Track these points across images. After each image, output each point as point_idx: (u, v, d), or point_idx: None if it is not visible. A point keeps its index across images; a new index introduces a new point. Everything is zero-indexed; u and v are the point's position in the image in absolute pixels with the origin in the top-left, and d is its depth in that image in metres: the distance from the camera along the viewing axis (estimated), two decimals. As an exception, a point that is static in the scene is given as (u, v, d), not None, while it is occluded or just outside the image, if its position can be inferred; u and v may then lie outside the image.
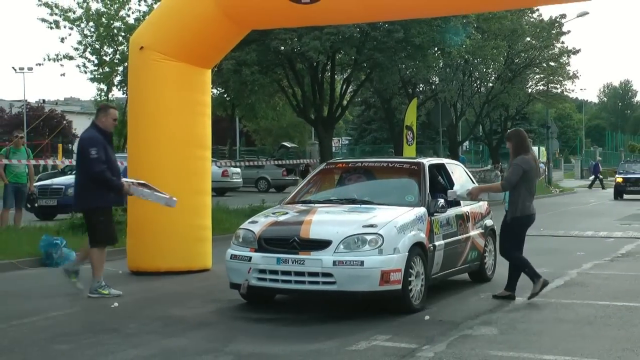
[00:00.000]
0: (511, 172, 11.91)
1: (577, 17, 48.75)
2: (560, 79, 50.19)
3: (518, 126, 52.62)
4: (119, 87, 39.80)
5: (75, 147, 77.52)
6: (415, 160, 13.11)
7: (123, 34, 37.37)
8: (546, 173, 58.49)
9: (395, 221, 10.84)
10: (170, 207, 12.82)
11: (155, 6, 29.50)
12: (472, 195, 12.36)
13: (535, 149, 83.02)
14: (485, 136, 54.57)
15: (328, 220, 11.09)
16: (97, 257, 12.27)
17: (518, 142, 12.09)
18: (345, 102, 39.33)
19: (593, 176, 58.59)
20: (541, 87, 52.14)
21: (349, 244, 10.44)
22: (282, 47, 32.31)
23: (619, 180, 45.57)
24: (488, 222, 13.81)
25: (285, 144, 62.09)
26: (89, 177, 12.19)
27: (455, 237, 12.34)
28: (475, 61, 43.61)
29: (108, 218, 12.42)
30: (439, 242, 11.70)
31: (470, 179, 13.92)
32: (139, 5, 37.97)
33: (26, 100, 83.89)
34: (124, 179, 12.65)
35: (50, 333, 9.65)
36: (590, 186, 57.56)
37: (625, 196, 44.48)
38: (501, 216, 12.16)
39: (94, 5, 38.20)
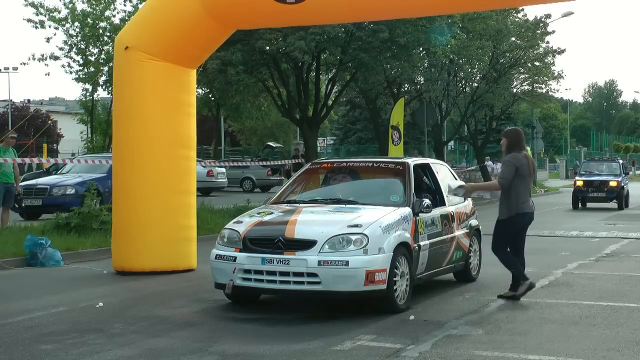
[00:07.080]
0: (504, 170, 11.93)
1: (562, 17, 48.98)
2: (545, 78, 50.05)
3: (503, 126, 52.84)
4: (104, 87, 39.73)
5: (59, 147, 77.39)
6: (400, 160, 13.08)
7: (108, 34, 37.29)
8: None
9: (380, 221, 10.84)
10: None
11: (140, 6, 29.42)
12: (466, 193, 12.53)
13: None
14: (470, 136, 54.41)
15: (313, 220, 11.09)
16: None
17: (512, 140, 12.12)
18: (330, 102, 39.29)
19: None
20: (526, 87, 52.03)
21: (334, 244, 10.44)
22: (267, 47, 32.20)
23: (579, 183, 35.06)
24: (473, 222, 13.82)
25: (270, 144, 62.10)
26: None
27: (440, 237, 12.35)
28: (460, 61, 43.53)
29: None
30: (424, 242, 11.70)
31: (455, 178, 13.91)
32: (124, 5, 37.80)
33: (11, 100, 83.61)
34: None
35: (35, 333, 9.63)
36: None
37: (588, 204, 35.28)
38: (489, 215, 12.15)
39: (80, 6, 38.16)
